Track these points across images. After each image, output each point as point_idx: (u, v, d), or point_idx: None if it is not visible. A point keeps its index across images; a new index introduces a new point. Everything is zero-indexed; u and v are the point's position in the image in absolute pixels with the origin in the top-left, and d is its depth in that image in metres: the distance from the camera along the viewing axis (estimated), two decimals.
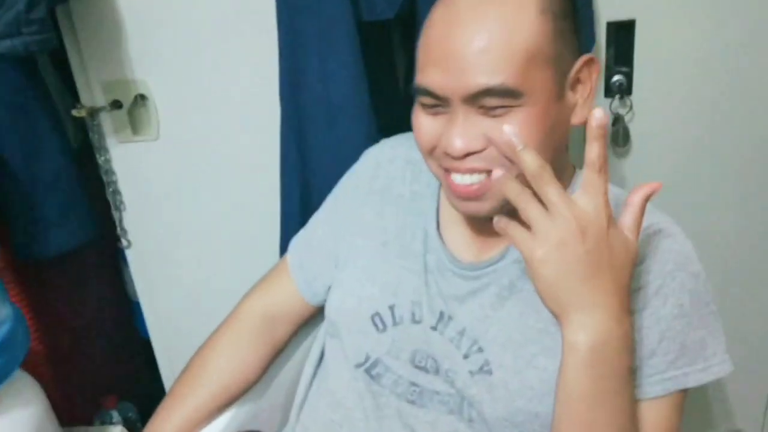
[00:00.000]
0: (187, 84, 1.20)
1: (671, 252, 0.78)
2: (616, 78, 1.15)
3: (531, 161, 0.66)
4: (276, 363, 1.06)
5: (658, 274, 0.76)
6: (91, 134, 1.23)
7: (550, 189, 0.66)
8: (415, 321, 0.87)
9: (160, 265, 1.35)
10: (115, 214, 1.30)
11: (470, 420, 0.83)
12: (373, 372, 0.89)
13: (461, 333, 0.83)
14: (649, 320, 0.75)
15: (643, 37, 1.12)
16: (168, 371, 1.43)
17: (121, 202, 1.29)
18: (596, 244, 0.66)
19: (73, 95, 1.24)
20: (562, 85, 0.75)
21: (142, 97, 1.20)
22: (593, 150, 0.66)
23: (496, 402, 0.80)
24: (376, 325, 0.89)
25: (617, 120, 1.17)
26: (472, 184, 0.76)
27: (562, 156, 0.83)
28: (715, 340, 0.78)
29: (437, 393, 0.85)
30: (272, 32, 1.09)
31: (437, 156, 0.78)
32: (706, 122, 1.18)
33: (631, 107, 1.17)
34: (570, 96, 0.77)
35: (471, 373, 0.82)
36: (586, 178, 0.67)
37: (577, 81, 0.77)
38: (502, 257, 0.83)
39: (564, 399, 0.70)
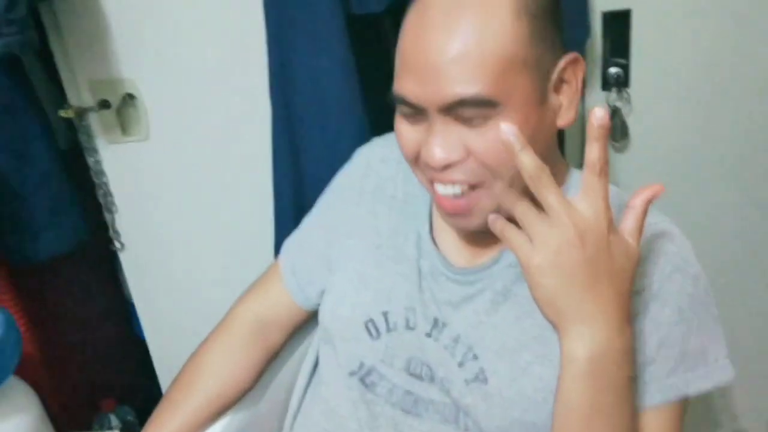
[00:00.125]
0: (176, 83, 1.18)
1: (670, 254, 0.75)
2: (612, 70, 1.13)
3: (530, 163, 0.64)
4: (271, 369, 1.04)
5: (656, 277, 0.74)
6: (80, 135, 1.21)
7: (549, 193, 0.64)
8: (409, 327, 0.85)
9: (154, 266, 1.34)
10: (107, 217, 1.28)
11: (466, 429, 0.81)
12: (368, 380, 0.88)
13: (456, 340, 0.82)
14: (649, 326, 0.73)
15: (640, 27, 1.10)
16: (165, 373, 1.42)
17: (113, 203, 1.27)
18: (596, 250, 0.64)
19: (61, 95, 1.22)
20: (543, 88, 0.72)
21: (130, 97, 1.19)
22: (594, 151, 0.63)
23: (491, 411, 0.78)
24: (369, 331, 0.87)
25: (615, 113, 1.15)
26: (456, 196, 0.74)
27: (552, 157, 0.79)
28: (717, 345, 0.76)
29: (432, 402, 0.83)
30: (261, 28, 1.07)
31: (421, 166, 0.76)
32: (705, 115, 1.16)
33: (628, 100, 1.14)
34: (554, 98, 0.73)
35: (466, 381, 0.80)
36: (586, 181, 0.65)
37: (561, 81, 0.74)
38: (496, 261, 0.81)
39: (562, 411, 0.68)
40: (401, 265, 0.87)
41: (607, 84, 1.14)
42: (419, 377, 0.84)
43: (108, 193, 1.26)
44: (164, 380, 1.42)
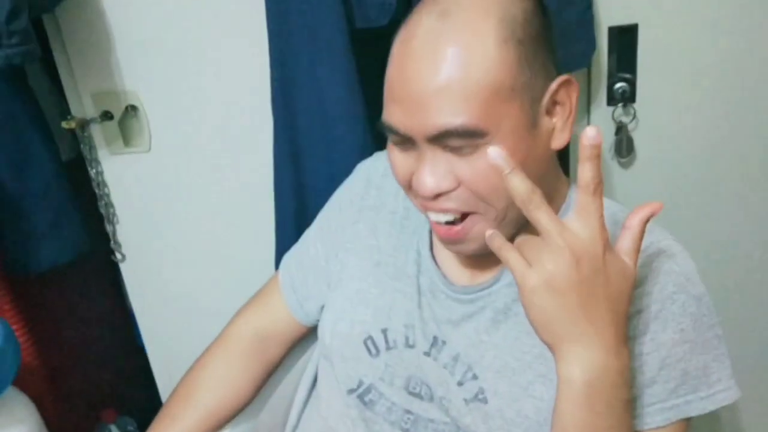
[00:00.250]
0: (178, 95, 1.17)
1: (672, 273, 0.74)
2: (618, 85, 1.11)
3: (520, 185, 0.63)
4: (270, 383, 1.04)
5: (657, 297, 0.73)
6: (82, 146, 1.21)
7: (542, 214, 0.63)
8: (408, 345, 0.84)
9: (155, 277, 1.33)
10: (109, 228, 1.28)
11: None
12: (366, 398, 0.87)
13: (455, 358, 0.80)
14: (649, 346, 0.72)
15: (647, 43, 1.09)
16: (165, 384, 1.41)
17: (114, 214, 1.27)
18: (592, 271, 0.63)
19: (64, 106, 1.22)
20: (533, 113, 0.70)
21: (132, 108, 1.18)
22: (586, 171, 0.63)
23: None
24: (369, 349, 0.87)
25: (620, 129, 1.13)
26: (451, 227, 0.73)
27: (550, 179, 0.78)
28: (720, 365, 0.74)
29: (432, 421, 0.82)
30: (263, 40, 1.07)
31: (415, 193, 0.75)
32: (712, 130, 1.14)
33: (634, 115, 1.13)
34: (546, 121, 0.72)
35: (466, 401, 0.79)
36: (580, 202, 0.64)
37: (555, 104, 0.72)
38: (496, 280, 0.80)
39: None
40: (401, 283, 0.86)
41: (612, 99, 1.12)
42: (419, 396, 0.83)
43: (109, 204, 1.26)
44: (164, 391, 1.41)
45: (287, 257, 1.02)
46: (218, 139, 1.20)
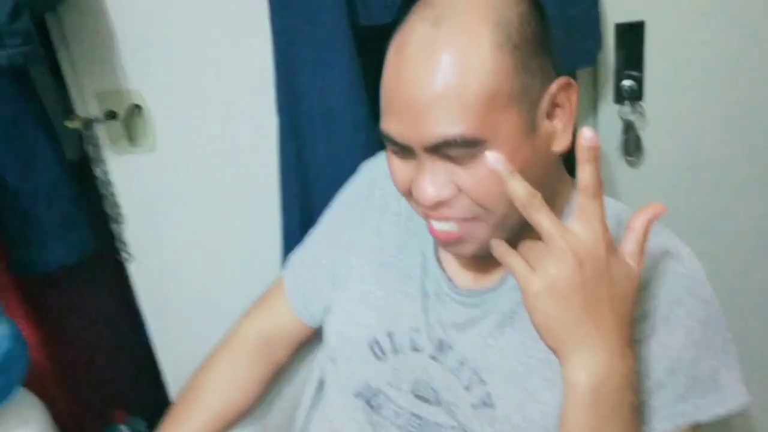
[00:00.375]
0: (183, 93, 1.17)
1: (679, 276, 0.73)
2: (626, 83, 1.10)
3: (519, 189, 0.62)
4: (277, 385, 1.04)
5: (664, 300, 0.72)
6: (87, 146, 1.21)
7: (542, 218, 0.63)
8: (414, 349, 0.84)
9: (162, 276, 1.33)
10: (115, 227, 1.28)
11: None
12: (374, 402, 0.86)
13: (461, 363, 0.80)
14: (656, 350, 0.71)
15: (654, 39, 1.08)
16: (174, 384, 1.42)
17: (120, 214, 1.27)
18: (595, 274, 0.63)
19: (69, 106, 1.22)
20: (532, 118, 0.69)
21: (137, 108, 1.18)
22: (586, 173, 0.62)
23: None
24: (375, 353, 0.86)
25: (628, 127, 1.12)
26: (450, 231, 0.73)
27: (553, 182, 0.77)
28: (730, 370, 0.73)
29: (439, 425, 0.82)
30: (268, 40, 1.07)
31: (415, 200, 0.74)
32: (721, 128, 1.13)
33: (642, 113, 1.12)
34: (546, 125, 0.71)
35: (473, 405, 0.79)
36: (580, 205, 0.63)
37: (555, 106, 0.71)
38: (502, 283, 0.80)
39: None
40: (406, 285, 0.86)
41: (620, 97, 1.11)
42: (426, 400, 0.83)
43: (115, 204, 1.26)
44: (173, 390, 1.42)
45: (292, 258, 1.02)
46: (223, 138, 1.20)
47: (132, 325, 1.43)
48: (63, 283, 1.34)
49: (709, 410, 0.72)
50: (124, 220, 1.28)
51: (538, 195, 0.63)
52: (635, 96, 1.10)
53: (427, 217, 0.75)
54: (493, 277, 0.81)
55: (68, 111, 1.21)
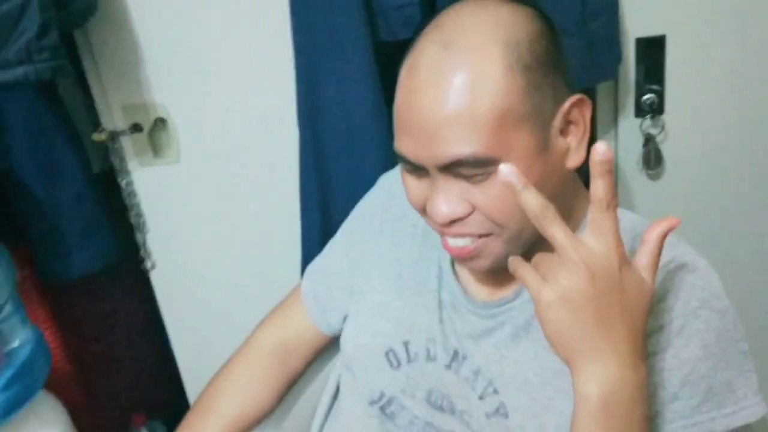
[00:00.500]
0: (206, 107, 1.19)
1: (695, 288, 0.73)
2: (647, 97, 1.10)
3: (532, 201, 0.63)
4: (293, 393, 1.05)
5: (680, 312, 0.72)
6: (112, 158, 1.23)
7: (557, 230, 0.63)
8: (430, 358, 0.84)
9: (184, 285, 1.35)
10: (139, 237, 1.30)
11: None
12: (388, 410, 0.87)
13: (476, 373, 0.80)
14: (671, 362, 0.71)
15: (675, 54, 1.08)
16: (193, 389, 1.42)
17: (144, 224, 1.29)
18: (607, 287, 0.63)
19: (95, 119, 1.24)
20: (544, 136, 0.70)
21: (162, 121, 1.20)
22: (599, 188, 0.62)
23: None
24: (390, 361, 0.87)
25: (648, 141, 1.12)
26: (464, 246, 0.73)
27: (567, 197, 0.78)
28: (746, 381, 0.73)
29: None
30: (290, 54, 1.08)
31: (430, 218, 0.75)
32: (742, 142, 1.12)
33: (663, 127, 1.11)
34: (560, 142, 0.71)
35: (487, 415, 0.79)
36: (593, 218, 0.63)
37: (568, 123, 0.72)
38: (517, 295, 0.80)
39: None
40: (422, 296, 0.86)
41: (641, 111, 1.11)
42: (440, 408, 0.83)
43: (139, 214, 1.28)
44: (193, 396, 1.42)
45: (310, 268, 1.03)
46: (245, 150, 1.21)
47: (153, 331, 1.45)
48: (86, 290, 1.36)
49: (725, 421, 0.71)
50: (148, 230, 1.29)
51: (552, 207, 0.63)
52: (656, 110, 1.10)
53: (441, 234, 0.75)
54: (509, 290, 0.81)
55: (95, 124, 1.24)
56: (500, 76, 0.66)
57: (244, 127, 1.20)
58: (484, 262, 0.75)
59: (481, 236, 0.72)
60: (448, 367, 0.82)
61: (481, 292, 0.83)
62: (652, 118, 1.11)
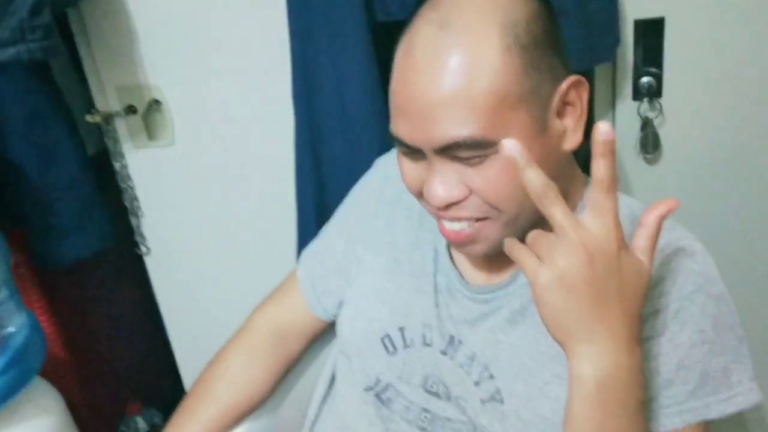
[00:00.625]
0: (201, 89, 1.18)
1: (691, 273, 0.72)
2: (645, 80, 1.09)
3: (535, 179, 0.62)
4: (289, 379, 1.04)
5: (676, 296, 0.71)
6: (106, 140, 1.22)
7: (557, 210, 0.62)
8: (426, 344, 0.84)
9: (179, 270, 1.35)
10: (133, 221, 1.29)
11: None
12: (384, 396, 0.87)
13: (471, 358, 0.80)
14: (667, 347, 0.71)
15: (673, 36, 1.06)
16: (190, 376, 1.42)
17: (139, 208, 1.28)
18: (605, 269, 0.62)
19: (89, 101, 1.23)
20: (542, 117, 0.69)
21: (156, 103, 1.19)
22: (600, 168, 0.61)
23: None
24: (386, 347, 0.86)
25: (646, 124, 1.11)
26: (461, 230, 0.73)
27: (564, 179, 0.76)
28: (741, 366, 0.73)
29: (449, 420, 0.82)
30: (285, 36, 1.07)
31: (426, 201, 0.74)
32: (740, 126, 1.11)
33: (660, 110, 1.10)
34: (557, 124, 0.70)
35: (482, 401, 0.78)
36: (594, 199, 0.62)
37: (565, 105, 0.71)
38: (513, 280, 0.79)
39: None
40: (418, 281, 0.86)
41: (638, 94, 1.10)
42: (436, 394, 0.83)
43: (134, 198, 1.27)
44: (189, 383, 1.42)
45: (306, 252, 1.02)
46: (241, 133, 1.21)
47: (148, 317, 1.45)
48: (81, 275, 1.36)
49: (719, 407, 0.71)
50: (143, 214, 1.29)
51: (554, 186, 0.62)
52: (654, 93, 1.09)
53: (438, 218, 0.74)
54: (505, 275, 0.81)
55: (89, 105, 1.23)
56: (497, 57, 0.65)
57: (240, 108, 1.19)
58: (480, 247, 0.74)
59: (477, 220, 0.72)
60: (444, 352, 0.82)
61: (477, 276, 0.83)
62: (650, 101, 1.10)
